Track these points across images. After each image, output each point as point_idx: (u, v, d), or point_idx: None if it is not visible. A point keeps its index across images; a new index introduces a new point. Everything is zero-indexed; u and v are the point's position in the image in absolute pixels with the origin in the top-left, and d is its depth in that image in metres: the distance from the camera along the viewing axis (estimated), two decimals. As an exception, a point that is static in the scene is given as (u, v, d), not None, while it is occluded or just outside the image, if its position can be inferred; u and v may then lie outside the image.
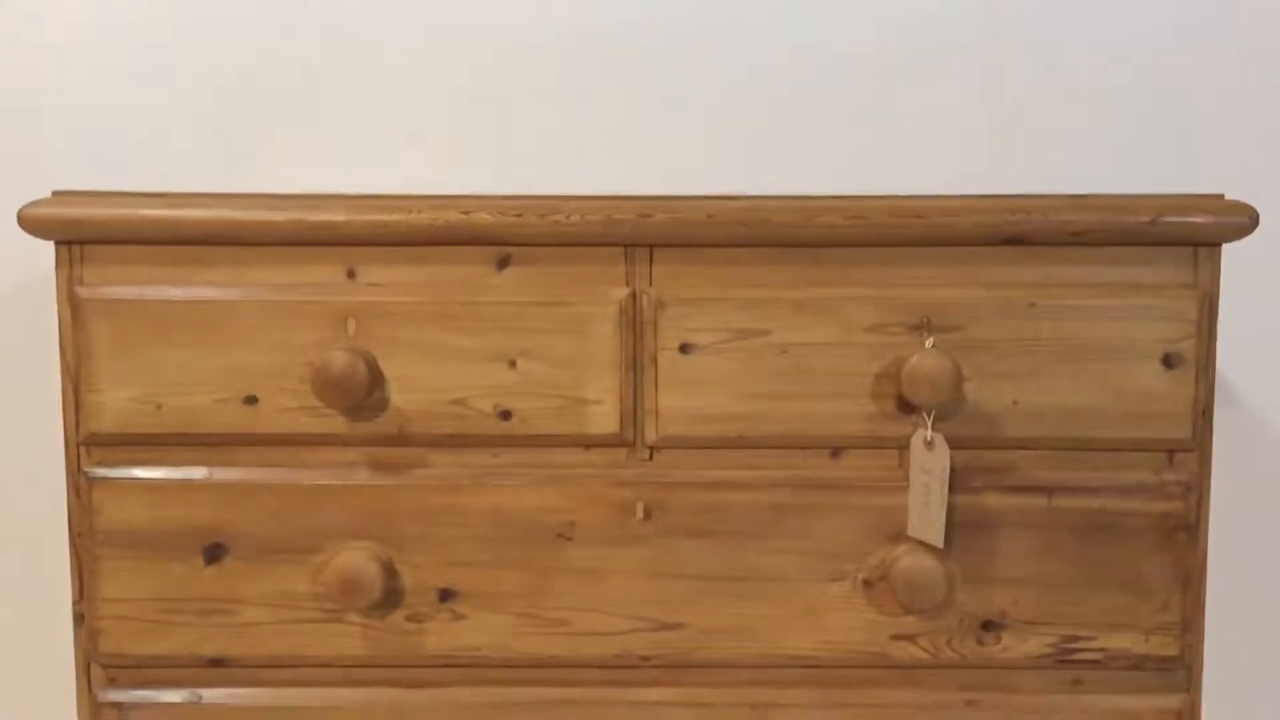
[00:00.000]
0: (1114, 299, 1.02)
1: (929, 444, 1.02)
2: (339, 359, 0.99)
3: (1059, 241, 1.02)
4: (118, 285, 1.02)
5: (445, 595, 1.05)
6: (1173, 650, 1.05)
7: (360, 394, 1.00)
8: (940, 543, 1.02)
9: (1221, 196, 1.02)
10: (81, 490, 1.04)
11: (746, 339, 1.03)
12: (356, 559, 1.02)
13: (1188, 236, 1.01)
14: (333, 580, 1.01)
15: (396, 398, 1.03)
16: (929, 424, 1.01)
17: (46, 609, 1.26)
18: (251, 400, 1.03)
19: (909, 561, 1.02)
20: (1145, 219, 1.00)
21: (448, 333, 1.03)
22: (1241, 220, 1.00)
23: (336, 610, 1.05)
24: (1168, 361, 1.02)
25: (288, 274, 1.03)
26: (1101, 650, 1.05)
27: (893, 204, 1.02)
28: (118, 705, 1.05)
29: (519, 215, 1.01)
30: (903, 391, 1.00)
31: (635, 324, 1.03)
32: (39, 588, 1.29)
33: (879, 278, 1.03)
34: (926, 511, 1.02)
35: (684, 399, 1.03)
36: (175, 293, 1.02)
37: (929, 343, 1.01)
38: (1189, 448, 1.04)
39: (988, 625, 1.05)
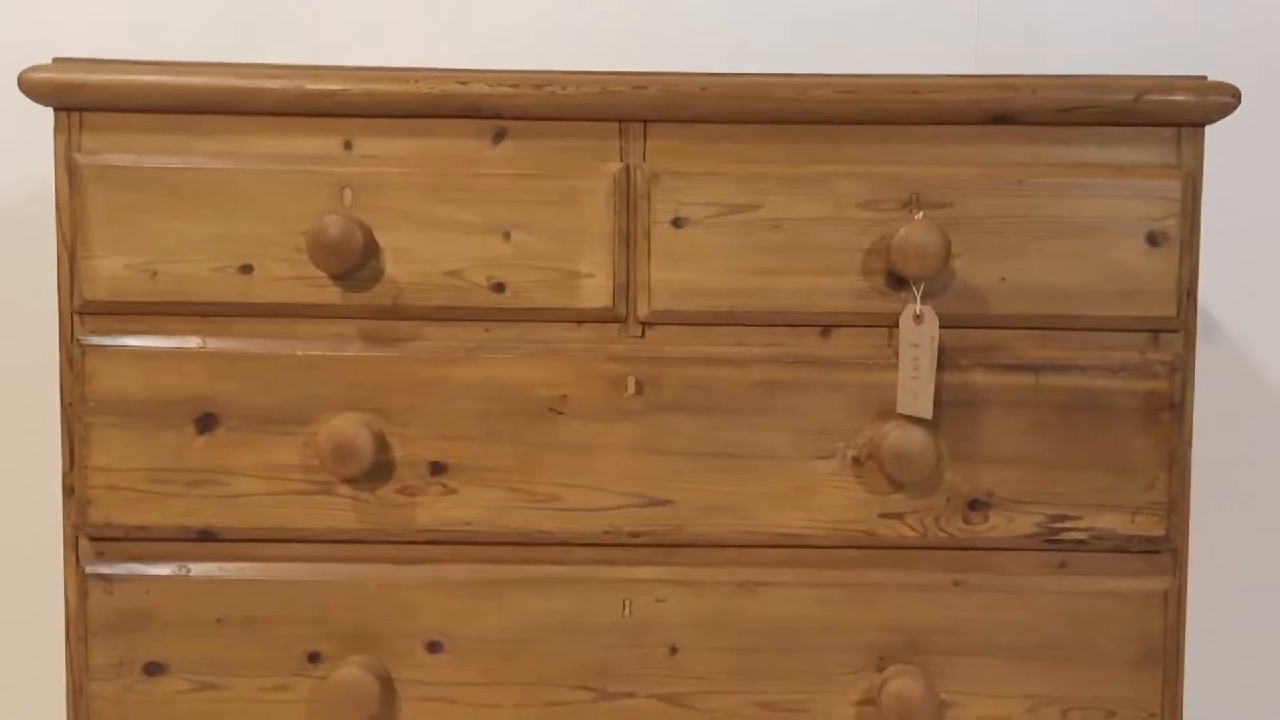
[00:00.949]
0: (1100, 178, 1.03)
1: (918, 318, 1.02)
2: (336, 223, 0.99)
3: (1046, 120, 1.03)
4: (116, 152, 1.02)
5: (436, 469, 1.05)
6: (1159, 530, 1.05)
7: (355, 259, 1.00)
8: (929, 414, 1.02)
9: (1204, 78, 1.04)
10: (74, 358, 1.03)
11: (739, 213, 1.03)
12: (349, 425, 1.01)
13: (1171, 115, 1.02)
14: (325, 446, 1.01)
15: (391, 268, 1.03)
16: (918, 297, 1.02)
17: (35, 483, 1.26)
18: (247, 269, 1.03)
19: (898, 435, 1.02)
20: (1129, 97, 1.01)
21: (443, 205, 1.03)
22: (1224, 99, 1.01)
23: (328, 482, 1.04)
24: (1152, 240, 1.03)
25: (285, 144, 1.03)
26: (1088, 530, 1.05)
27: (885, 80, 1.03)
28: (105, 577, 1.04)
29: (515, 86, 1.02)
30: (892, 263, 1.01)
31: (629, 198, 1.03)
32: (28, 460, 1.28)
33: (870, 155, 1.04)
34: (915, 385, 1.02)
35: (676, 273, 1.03)
36: (173, 161, 1.02)
37: (918, 216, 1.02)
38: (1173, 328, 1.04)
39: (975, 504, 1.06)
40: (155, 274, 1.03)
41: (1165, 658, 1.06)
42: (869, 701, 1.06)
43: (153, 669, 1.05)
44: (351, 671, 1.03)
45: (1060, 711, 1.06)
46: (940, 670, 1.06)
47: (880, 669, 1.06)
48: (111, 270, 1.03)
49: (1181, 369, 1.04)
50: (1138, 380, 1.04)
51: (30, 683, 1.30)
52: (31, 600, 1.28)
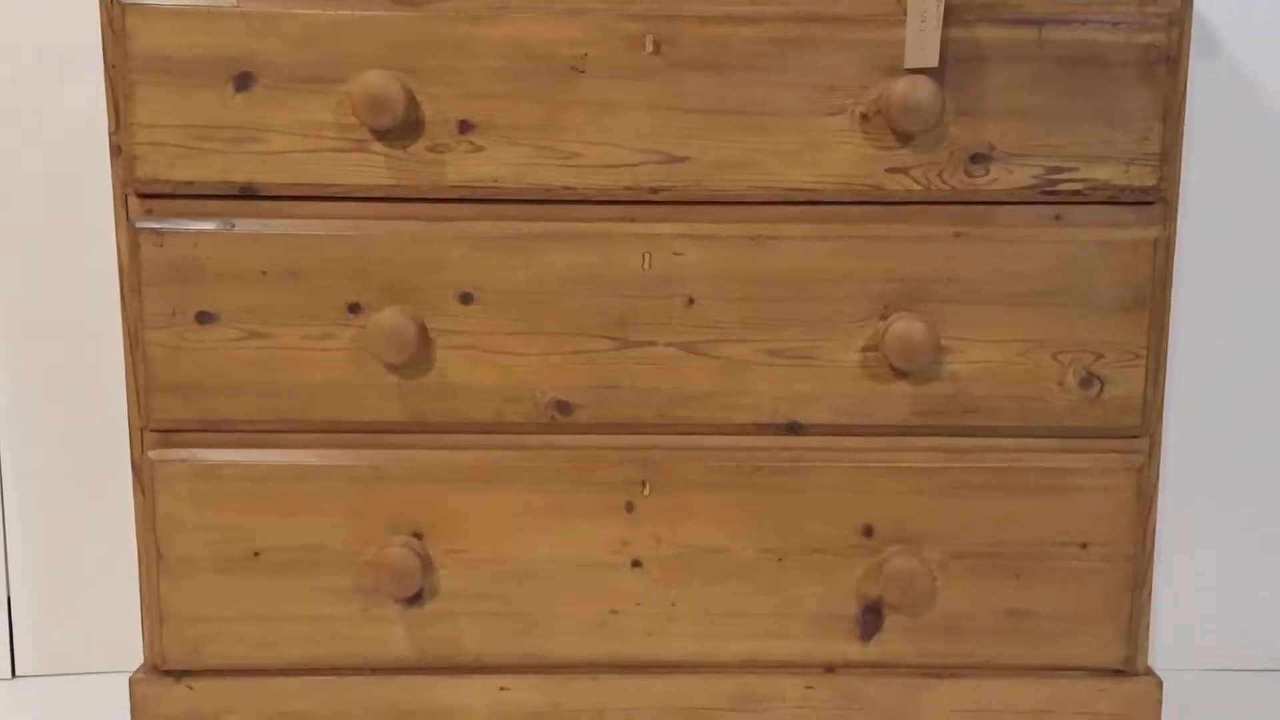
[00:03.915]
0: None
1: (926, -30, 1.04)
2: (361, -126, 1.00)
3: None
4: None
5: (464, 127, 1.07)
6: (1150, 180, 1.08)
7: (382, -90, 1.02)
8: (935, 62, 1.04)
9: None
10: (115, 19, 1.05)
11: None
12: (381, 77, 1.03)
13: None
14: (358, 96, 1.03)
15: (416, -73, 1.05)
16: (927, -51, 1.04)
17: (81, 143, 1.30)
18: (276, -72, 1.05)
19: (906, 85, 1.04)
20: None
21: None
22: None
23: (361, 140, 1.07)
24: (1156, -109, 1.04)
25: None
26: (1084, 180, 1.08)
27: None
28: (155, 231, 1.08)
29: None
30: (903, -87, 1.02)
31: None
32: (73, 126, 1.32)
33: None
34: (922, 36, 1.04)
35: (692, -70, 1.05)
36: None
37: None
38: (1173, -20, 1.06)
39: (976, 158, 1.08)
40: (188, -67, 1.04)
41: (1152, 303, 1.10)
42: (872, 348, 1.11)
43: (203, 318, 1.10)
44: (391, 314, 1.07)
45: (1051, 354, 1.11)
46: (940, 317, 1.10)
47: (884, 316, 1.11)
48: (146, -71, 1.04)
49: (1178, 22, 1.06)
50: (1136, 33, 1.06)
51: (88, 334, 1.37)
52: (87, 260, 1.34)
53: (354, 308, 1.10)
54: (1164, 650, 1.49)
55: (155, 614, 1.13)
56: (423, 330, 1.09)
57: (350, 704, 1.14)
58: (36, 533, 1.48)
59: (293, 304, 1.09)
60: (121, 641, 1.42)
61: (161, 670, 1.14)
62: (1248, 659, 1.52)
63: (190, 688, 1.14)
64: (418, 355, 1.09)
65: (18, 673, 1.52)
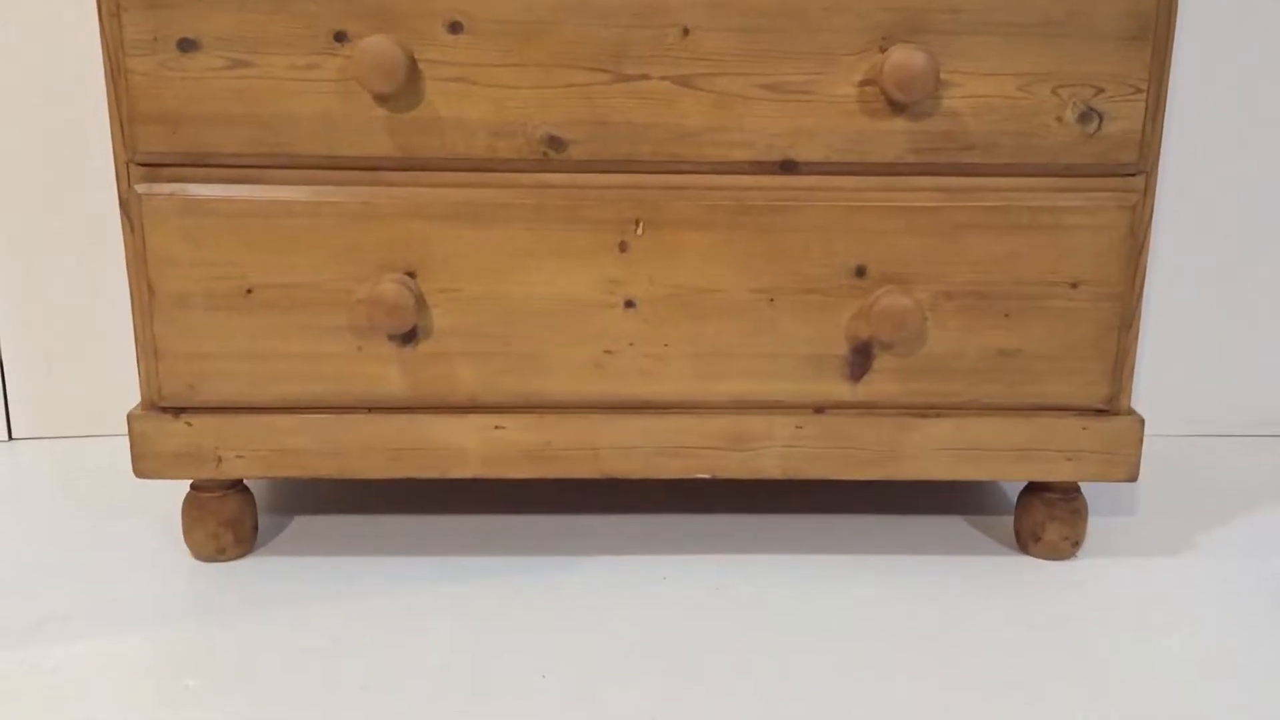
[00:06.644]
0: None
1: None
2: None
3: None
4: None
5: None
6: (1161, -97, 1.06)
7: None
8: None
9: None
10: None
11: None
12: None
13: None
14: None
15: None
16: None
17: None
18: None
19: None
20: None
21: None
22: None
23: None
24: None
25: None
26: (1092, -97, 1.06)
27: None
28: (131, -48, 1.05)
29: None
30: None
31: None
32: None
33: None
34: None
35: None
36: None
37: None
38: None
39: (984, -122, 1.05)
40: None
41: (1155, 34, 1.08)
42: (870, 82, 1.09)
43: (186, 45, 1.07)
44: (378, 40, 1.05)
45: (1051, 88, 1.09)
46: (940, 49, 1.08)
47: (883, 49, 1.09)
48: None
49: None
50: None
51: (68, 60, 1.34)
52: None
53: (340, 36, 1.07)
54: (1152, 416, 1.52)
55: (150, 351, 1.13)
56: (411, 60, 1.06)
57: (347, 441, 1.16)
58: (28, 296, 1.48)
59: (277, 31, 1.06)
60: (116, 405, 1.44)
61: (159, 407, 1.15)
62: (1236, 424, 1.54)
63: (189, 424, 1.15)
64: (406, 87, 1.07)
65: (14, 435, 1.54)
